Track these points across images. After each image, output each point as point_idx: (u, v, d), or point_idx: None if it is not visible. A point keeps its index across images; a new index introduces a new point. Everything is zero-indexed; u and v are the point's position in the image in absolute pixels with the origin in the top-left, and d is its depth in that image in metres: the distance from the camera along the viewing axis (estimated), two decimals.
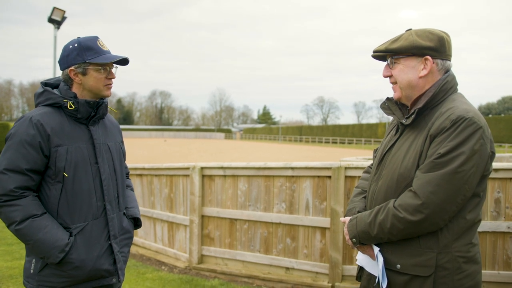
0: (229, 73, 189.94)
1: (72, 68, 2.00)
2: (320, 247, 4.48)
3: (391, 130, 1.92)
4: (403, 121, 1.75)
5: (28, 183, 1.91)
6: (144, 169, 6.26)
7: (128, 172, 2.42)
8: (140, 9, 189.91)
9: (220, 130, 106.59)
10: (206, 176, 5.23)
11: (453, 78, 1.76)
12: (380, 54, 1.79)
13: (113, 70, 2.08)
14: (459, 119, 1.59)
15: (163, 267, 5.45)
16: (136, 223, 2.27)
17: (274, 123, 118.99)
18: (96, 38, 2.04)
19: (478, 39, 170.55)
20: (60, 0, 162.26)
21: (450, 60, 1.75)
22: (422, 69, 1.71)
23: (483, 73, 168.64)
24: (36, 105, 2.04)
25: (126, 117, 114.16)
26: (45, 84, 2.07)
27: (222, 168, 5.08)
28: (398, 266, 1.68)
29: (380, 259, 1.71)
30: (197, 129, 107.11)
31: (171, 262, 5.57)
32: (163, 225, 5.98)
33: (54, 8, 10.23)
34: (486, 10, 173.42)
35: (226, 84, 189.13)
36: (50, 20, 10.46)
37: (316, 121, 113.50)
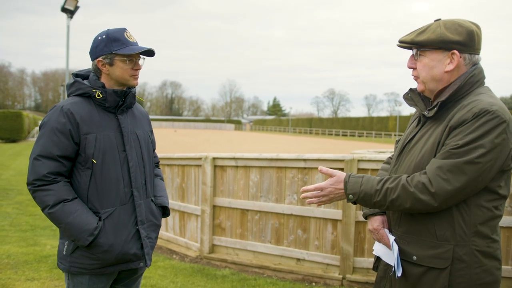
0: (239, 64, 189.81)
1: (100, 58, 2.07)
2: (332, 239, 4.49)
3: (413, 121, 1.90)
4: (425, 113, 1.72)
5: (60, 169, 2.00)
6: None
7: (158, 162, 2.49)
8: None
9: (230, 121, 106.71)
10: (218, 166, 5.24)
11: (481, 71, 1.70)
12: (406, 45, 1.74)
13: (140, 61, 2.15)
14: (481, 112, 1.55)
15: (174, 256, 5.50)
16: (165, 211, 2.32)
17: (284, 115, 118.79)
18: (123, 30, 2.11)
19: (492, 32, 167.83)
20: None
21: (478, 54, 1.69)
22: (448, 64, 1.66)
23: (497, 66, 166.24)
24: (68, 95, 2.13)
25: None
26: (75, 75, 2.15)
27: (234, 158, 5.09)
28: (414, 257, 1.67)
29: (395, 247, 1.71)
30: (207, 120, 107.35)
31: (182, 251, 5.62)
32: (175, 214, 6.03)
33: None
34: (500, 1, 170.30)
35: (236, 74, 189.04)
36: (63, 10, 10.49)
37: (326, 113, 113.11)
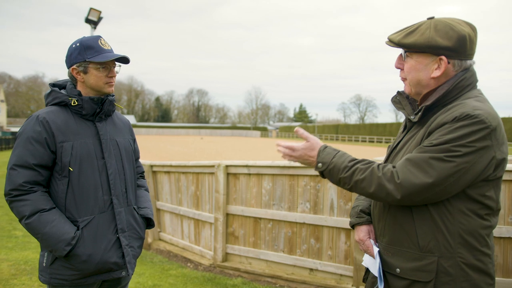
0: (265, 71, 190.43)
1: (74, 66, 2.08)
2: (345, 248, 4.36)
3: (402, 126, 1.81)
4: (411, 117, 1.64)
5: (37, 178, 1.97)
6: (171, 166, 6.32)
7: (143, 172, 2.45)
8: (179, 9, 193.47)
9: (256, 128, 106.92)
10: (231, 174, 5.21)
11: (472, 75, 1.59)
12: (393, 45, 1.65)
13: (117, 68, 2.14)
14: (462, 116, 1.45)
15: (188, 264, 5.48)
16: (149, 223, 2.29)
17: (311, 121, 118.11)
18: (98, 37, 2.10)
19: None
20: (104, 1, 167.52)
21: (471, 59, 1.58)
22: (435, 69, 1.55)
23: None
24: (46, 105, 2.12)
25: (164, 115, 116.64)
26: (53, 85, 2.15)
27: (246, 166, 5.05)
28: (398, 270, 1.58)
29: (378, 259, 1.63)
30: (233, 127, 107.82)
31: (196, 259, 5.59)
32: (190, 222, 6.02)
33: (91, 8, 10.53)
34: None
35: (262, 82, 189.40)
36: (87, 21, 10.78)
37: (353, 119, 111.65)
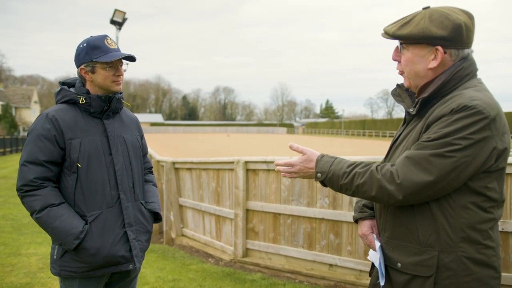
0: (291, 68, 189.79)
1: (82, 66, 2.12)
2: (364, 244, 4.32)
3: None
4: (410, 110, 1.62)
5: (47, 174, 2.03)
6: (192, 163, 6.40)
7: (151, 167, 2.49)
8: (203, 8, 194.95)
9: (282, 124, 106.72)
10: (250, 170, 5.23)
11: (471, 64, 1.55)
12: (389, 37, 1.62)
13: (124, 67, 2.17)
14: (459, 107, 1.41)
15: (209, 259, 5.55)
16: (156, 217, 2.32)
17: (337, 117, 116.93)
18: (104, 37, 2.13)
19: None
20: (130, 2, 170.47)
21: (469, 48, 1.54)
22: (432, 60, 1.53)
23: None
24: (56, 103, 2.18)
25: (191, 113, 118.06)
26: (62, 83, 2.20)
27: (265, 162, 5.06)
28: (399, 264, 1.56)
29: (380, 254, 1.61)
30: (259, 124, 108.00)
31: (217, 255, 5.65)
32: (211, 218, 6.09)
33: (115, 10, 10.78)
34: None
35: (288, 78, 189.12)
36: (112, 22, 11.04)
37: (381, 114, 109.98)
